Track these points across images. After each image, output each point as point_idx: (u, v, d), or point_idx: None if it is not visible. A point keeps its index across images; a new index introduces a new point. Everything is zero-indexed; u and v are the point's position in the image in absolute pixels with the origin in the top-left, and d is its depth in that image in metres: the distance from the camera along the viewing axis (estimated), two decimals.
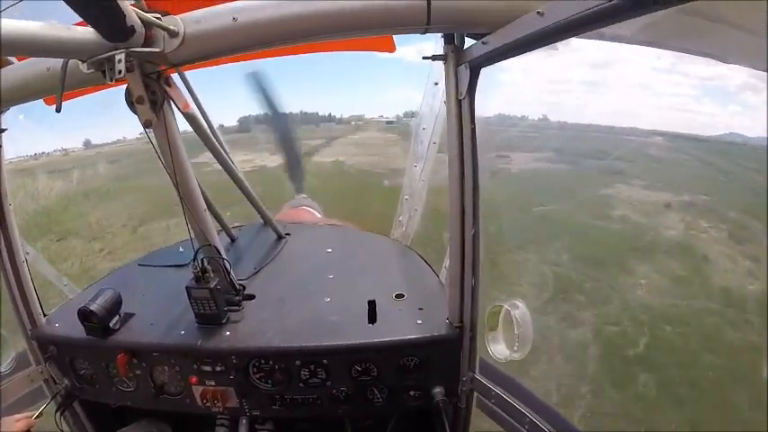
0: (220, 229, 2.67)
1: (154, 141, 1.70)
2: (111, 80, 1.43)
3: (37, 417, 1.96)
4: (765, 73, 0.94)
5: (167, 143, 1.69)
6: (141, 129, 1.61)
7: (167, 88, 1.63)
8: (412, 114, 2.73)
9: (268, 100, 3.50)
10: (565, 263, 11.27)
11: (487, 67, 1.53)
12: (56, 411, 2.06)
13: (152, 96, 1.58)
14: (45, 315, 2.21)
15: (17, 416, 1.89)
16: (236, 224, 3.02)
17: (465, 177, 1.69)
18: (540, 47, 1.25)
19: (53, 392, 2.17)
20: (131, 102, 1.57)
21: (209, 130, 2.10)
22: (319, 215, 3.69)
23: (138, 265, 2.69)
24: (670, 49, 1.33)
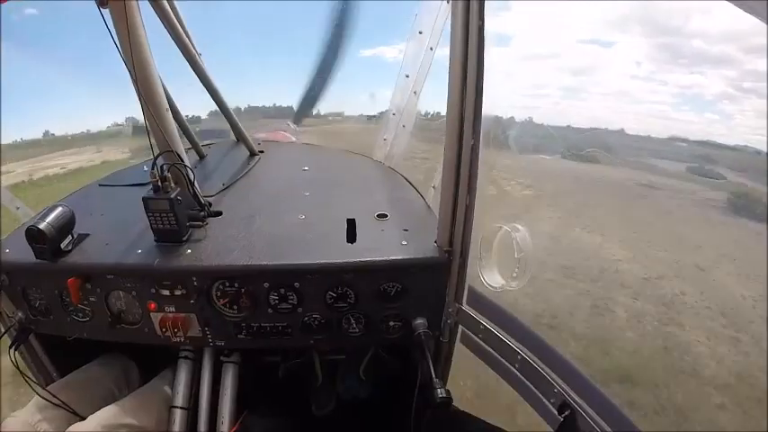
0: (189, 147, 2.43)
1: (110, 24, 1.44)
2: None
3: None
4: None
5: (126, 26, 1.44)
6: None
7: None
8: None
9: (340, 31, 3.03)
10: None
11: None
12: (10, 347, 1.86)
13: None
14: None
15: None
16: (207, 142, 2.77)
17: (467, 80, 1.44)
18: None
19: (6, 326, 1.97)
20: None
21: (177, 23, 1.84)
22: (295, 139, 3.43)
23: (99, 185, 2.44)
24: None
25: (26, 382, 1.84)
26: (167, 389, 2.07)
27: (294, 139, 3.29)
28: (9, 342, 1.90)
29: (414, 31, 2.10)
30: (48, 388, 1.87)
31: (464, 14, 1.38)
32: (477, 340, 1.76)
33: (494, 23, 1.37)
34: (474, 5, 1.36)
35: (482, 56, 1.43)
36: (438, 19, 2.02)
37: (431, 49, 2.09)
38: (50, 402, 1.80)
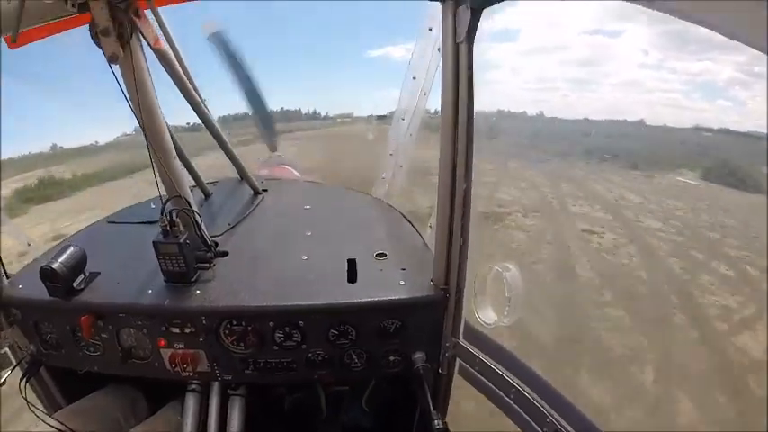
0: (194, 185, 2.53)
1: (120, 79, 1.54)
2: (73, 6, 1.31)
3: (0, 384, 1.84)
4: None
5: (134, 81, 1.54)
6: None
7: (136, 20, 1.47)
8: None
9: (232, 59, 3.33)
10: None
11: (489, 8, 1.39)
12: (21, 378, 1.93)
13: (119, 28, 1.42)
14: (8, 277, 2.06)
15: None
16: (211, 180, 2.86)
17: (459, 127, 1.55)
18: None
19: (18, 359, 2.04)
20: (95, 34, 1.41)
21: (182, 73, 1.96)
22: (297, 174, 3.56)
23: (108, 222, 2.54)
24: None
25: (31, 410, 1.88)
26: (174, 420, 2.12)
27: (297, 174, 3.41)
28: (21, 373, 1.96)
29: (408, 76, 2.22)
30: (54, 415, 1.92)
31: (453, 66, 1.49)
32: (474, 372, 1.83)
33: (500, 20, 1.42)
34: (464, 59, 1.47)
35: (472, 104, 1.53)
36: (430, 66, 2.15)
37: (424, 94, 2.21)
38: (56, 429, 1.83)
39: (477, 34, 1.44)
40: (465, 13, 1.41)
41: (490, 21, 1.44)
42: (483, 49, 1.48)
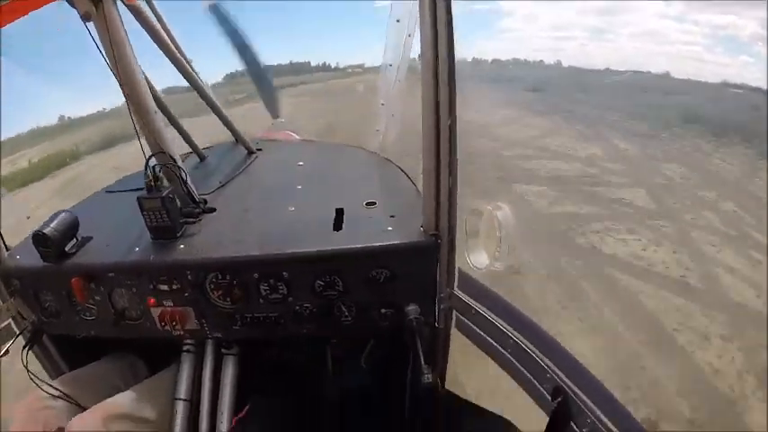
0: (190, 151, 2.52)
1: (95, 37, 1.54)
2: None
3: (3, 354, 1.85)
4: None
5: (109, 39, 1.53)
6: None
7: None
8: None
9: (231, 31, 3.42)
10: None
11: None
12: (23, 348, 1.95)
13: None
14: (8, 250, 2.09)
15: None
16: (208, 146, 2.87)
17: (439, 62, 1.45)
18: None
19: (21, 329, 2.06)
20: None
21: (162, 31, 1.92)
22: (297, 137, 3.52)
23: (106, 192, 2.57)
24: None
25: (30, 378, 1.90)
26: (171, 382, 2.12)
27: (297, 137, 3.38)
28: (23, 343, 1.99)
29: (392, 20, 2.13)
30: (53, 382, 1.94)
31: (431, 2, 1.40)
32: (471, 325, 1.74)
33: None
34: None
35: (452, 39, 1.44)
36: (413, 6, 2.03)
37: (409, 35, 2.11)
38: (54, 395, 1.86)
39: None
40: None
41: None
42: None
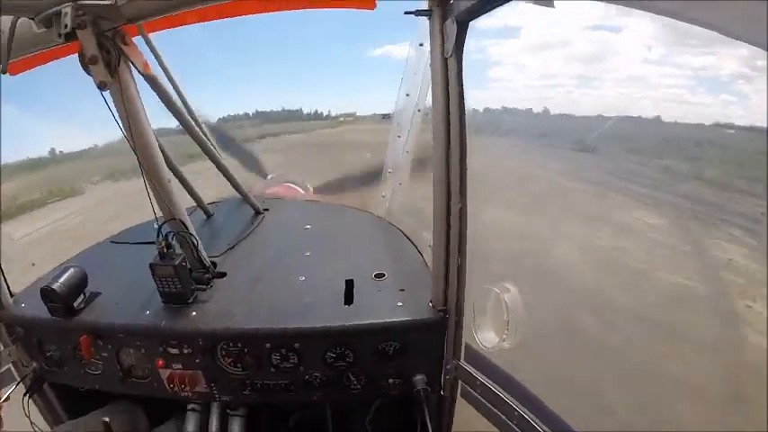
0: (195, 206, 2.54)
1: (111, 106, 1.57)
2: (60, 36, 1.32)
3: (4, 401, 1.85)
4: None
5: (124, 107, 1.56)
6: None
7: (124, 47, 1.49)
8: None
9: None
10: None
11: (476, 19, 1.35)
12: (24, 394, 1.96)
13: (107, 56, 1.45)
14: (12, 296, 2.10)
15: None
16: (214, 201, 2.88)
17: (451, 145, 1.51)
18: None
19: (22, 375, 2.07)
20: (85, 64, 1.44)
21: (176, 96, 1.96)
22: (302, 191, 3.54)
23: (111, 242, 2.58)
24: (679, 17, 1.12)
25: (32, 426, 1.91)
26: None
27: (302, 191, 3.40)
28: (24, 390, 1.99)
29: (402, 93, 2.19)
30: (54, 430, 1.94)
31: (443, 81, 1.46)
32: (476, 395, 1.78)
33: (502, 18, 1.37)
34: (453, 73, 1.44)
35: (464, 120, 1.49)
36: (423, 84, 2.11)
37: (419, 110, 2.17)
38: None
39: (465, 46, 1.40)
40: (452, 28, 1.37)
41: (493, 19, 1.39)
42: (484, 46, 1.42)
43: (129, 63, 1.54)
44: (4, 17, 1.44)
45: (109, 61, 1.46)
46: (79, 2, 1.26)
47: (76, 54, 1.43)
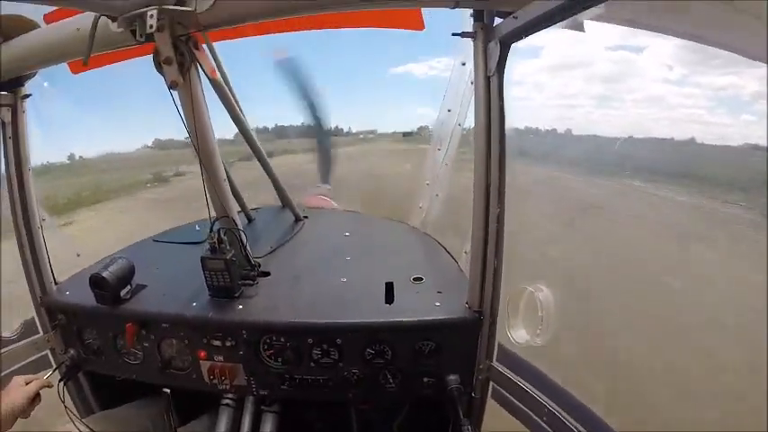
0: (239, 209, 2.65)
1: (178, 104, 1.71)
2: (141, 37, 1.46)
3: (46, 384, 1.85)
4: None
5: (191, 106, 1.69)
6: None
7: (195, 52, 1.64)
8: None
9: (302, 89, 3.41)
10: None
11: (517, 42, 1.50)
12: (59, 381, 2.01)
13: (180, 58, 1.60)
14: (57, 284, 2.19)
15: (27, 377, 1.80)
16: (254, 207, 3.00)
17: (491, 154, 1.65)
18: (570, 16, 1.22)
19: (58, 362, 2.14)
20: (159, 63, 1.58)
21: (235, 103, 2.10)
22: (335, 205, 3.64)
23: (153, 240, 2.69)
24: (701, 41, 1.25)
25: (66, 413, 1.92)
26: None
27: (335, 205, 3.52)
28: (59, 378, 2.04)
29: (443, 108, 2.34)
30: (86, 419, 1.97)
31: (485, 98, 1.60)
32: (507, 395, 1.84)
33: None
34: (495, 90, 1.58)
35: (503, 132, 1.63)
36: (464, 99, 2.25)
37: (459, 125, 2.31)
38: None
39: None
40: (495, 49, 1.53)
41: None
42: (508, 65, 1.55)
43: (198, 66, 1.69)
44: (84, 14, 1.58)
45: (182, 63, 1.60)
46: (163, 6, 1.39)
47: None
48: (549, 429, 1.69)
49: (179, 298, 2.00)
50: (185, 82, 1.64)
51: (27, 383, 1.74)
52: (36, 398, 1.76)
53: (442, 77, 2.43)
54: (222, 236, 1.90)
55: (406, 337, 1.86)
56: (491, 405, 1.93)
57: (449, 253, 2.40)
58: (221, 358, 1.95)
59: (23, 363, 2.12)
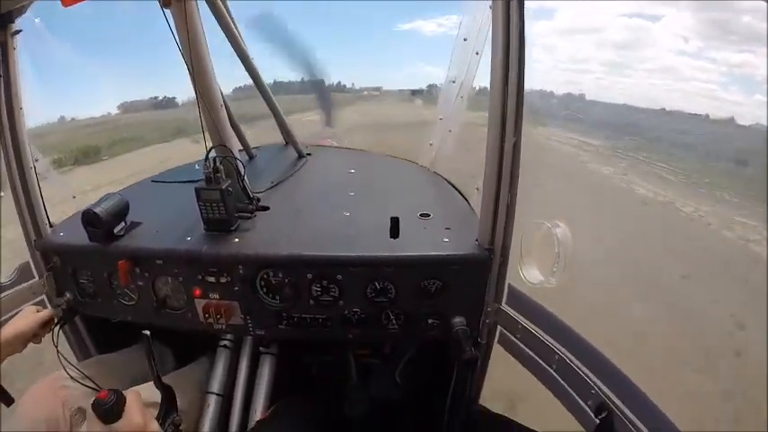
0: (240, 148, 2.56)
1: (171, 24, 1.58)
2: None
3: (45, 330, 1.84)
4: None
5: (185, 27, 1.57)
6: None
7: None
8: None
9: (286, 42, 3.45)
10: None
11: None
12: (55, 325, 1.93)
13: None
14: (51, 226, 2.11)
15: (38, 307, 1.82)
16: (256, 146, 2.91)
17: (509, 80, 1.50)
18: None
19: (54, 306, 2.08)
20: None
21: (234, 28, 1.98)
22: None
23: (152, 181, 2.60)
24: None
25: (58, 357, 1.89)
26: (202, 375, 2.11)
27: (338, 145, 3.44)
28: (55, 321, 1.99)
29: (459, 37, 2.18)
30: (78, 364, 1.90)
31: (504, 17, 1.45)
32: (515, 340, 1.75)
33: None
34: (515, 11, 1.43)
35: (523, 56, 1.49)
36: (482, 25, 2.10)
37: (476, 53, 2.16)
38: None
39: None
40: None
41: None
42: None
43: None
44: None
45: None
46: None
47: None
48: (556, 376, 1.61)
49: (173, 233, 1.91)
50: (179, 0, 1.52)
51: (38, 311, 1.78)
52: (49, 322, 1.82)
53: (449, 35, 2.30)
54: (218, 164, 1.80)
55: (410, 273, 1.76)
56: (497, 351, 1.85)
57: (459, 192, 2.29)
58: (216, 296, 1.87)
59: (20, 308, 2.02)
